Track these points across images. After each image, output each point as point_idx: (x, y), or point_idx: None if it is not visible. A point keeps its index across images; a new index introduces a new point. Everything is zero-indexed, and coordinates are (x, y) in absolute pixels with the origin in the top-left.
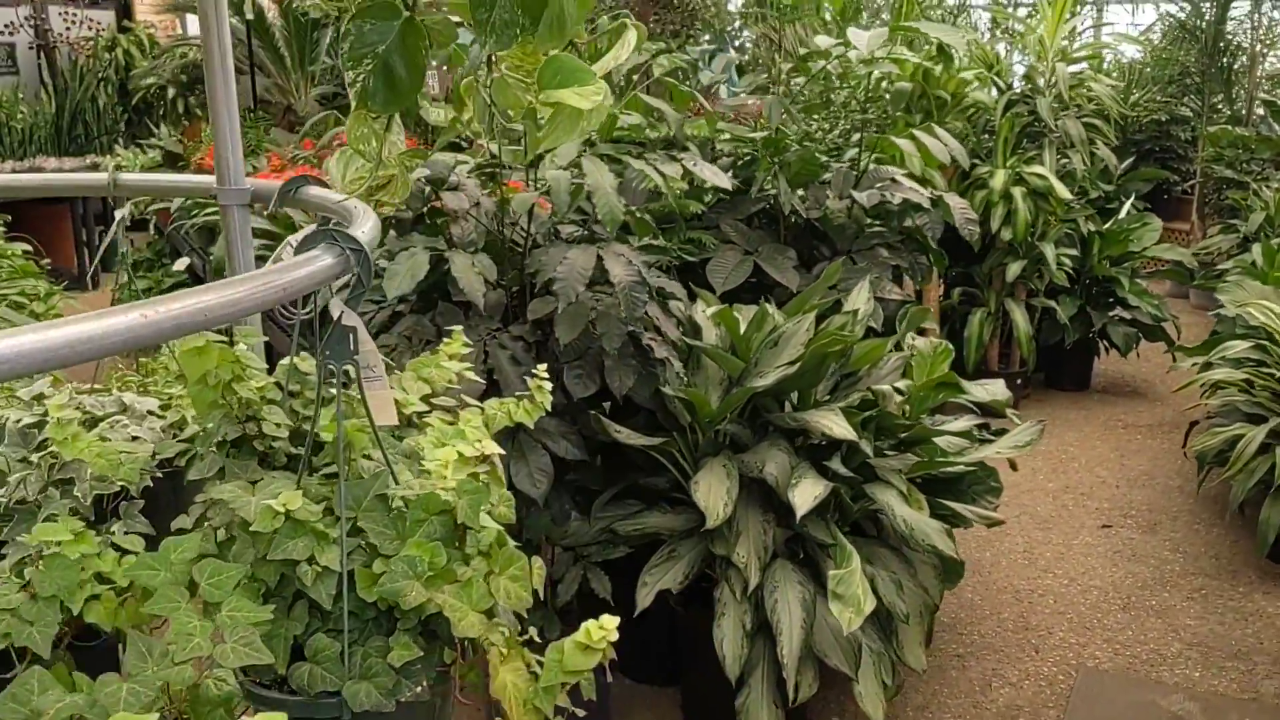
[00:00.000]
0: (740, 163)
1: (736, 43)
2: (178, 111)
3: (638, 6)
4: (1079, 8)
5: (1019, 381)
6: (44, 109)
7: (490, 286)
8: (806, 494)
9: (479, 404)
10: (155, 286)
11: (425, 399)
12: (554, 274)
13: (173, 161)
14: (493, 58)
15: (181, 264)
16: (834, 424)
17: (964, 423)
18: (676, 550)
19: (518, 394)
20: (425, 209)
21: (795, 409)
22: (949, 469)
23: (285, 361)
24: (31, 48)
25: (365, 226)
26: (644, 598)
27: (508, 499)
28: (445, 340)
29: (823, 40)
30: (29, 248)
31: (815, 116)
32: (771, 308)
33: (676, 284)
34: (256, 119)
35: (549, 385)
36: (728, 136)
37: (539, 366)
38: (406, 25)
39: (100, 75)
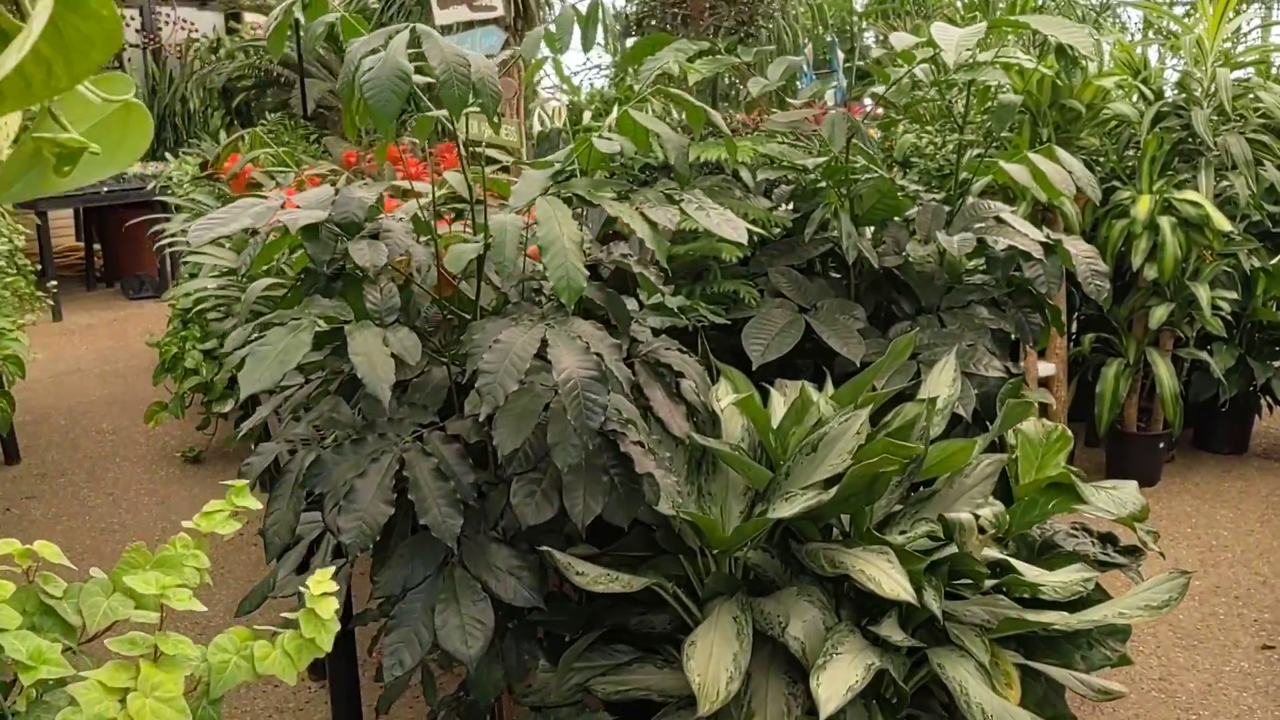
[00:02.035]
0: (800, 192)
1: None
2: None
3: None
4: (1244, 5)
5: (1162, 445)
6: None
7: (420, 369)
8: (838, 684)
9: (190, 648)
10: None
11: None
12: (480, 363)
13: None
14: None
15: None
16: (884, 576)
17: (1076, 572)
18: None
19: (286, 614)
20: (339, 262)
21: (844, 536)
22: (1053, 629)
23: None
24: (138, 48)
25: None
26: None
27: None
28: (230, 488)
29: (899, 39)
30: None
31: (928, 128)
32: (820, 393)
33: (689, 358)
34: (296, 125)
35: (334, 605)
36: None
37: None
38: None
39: (191, 77)
